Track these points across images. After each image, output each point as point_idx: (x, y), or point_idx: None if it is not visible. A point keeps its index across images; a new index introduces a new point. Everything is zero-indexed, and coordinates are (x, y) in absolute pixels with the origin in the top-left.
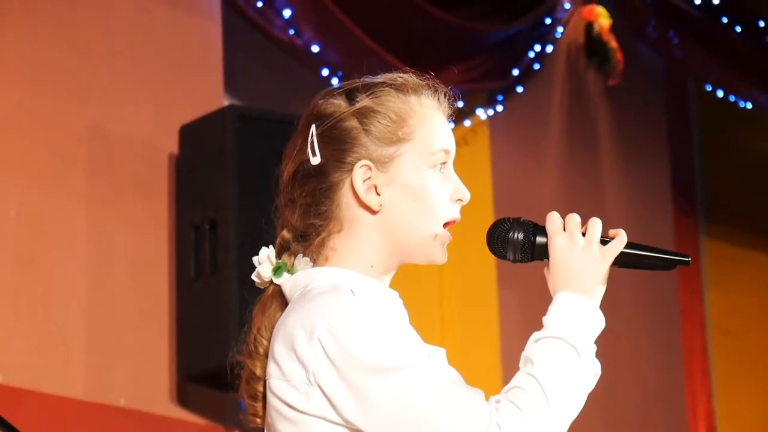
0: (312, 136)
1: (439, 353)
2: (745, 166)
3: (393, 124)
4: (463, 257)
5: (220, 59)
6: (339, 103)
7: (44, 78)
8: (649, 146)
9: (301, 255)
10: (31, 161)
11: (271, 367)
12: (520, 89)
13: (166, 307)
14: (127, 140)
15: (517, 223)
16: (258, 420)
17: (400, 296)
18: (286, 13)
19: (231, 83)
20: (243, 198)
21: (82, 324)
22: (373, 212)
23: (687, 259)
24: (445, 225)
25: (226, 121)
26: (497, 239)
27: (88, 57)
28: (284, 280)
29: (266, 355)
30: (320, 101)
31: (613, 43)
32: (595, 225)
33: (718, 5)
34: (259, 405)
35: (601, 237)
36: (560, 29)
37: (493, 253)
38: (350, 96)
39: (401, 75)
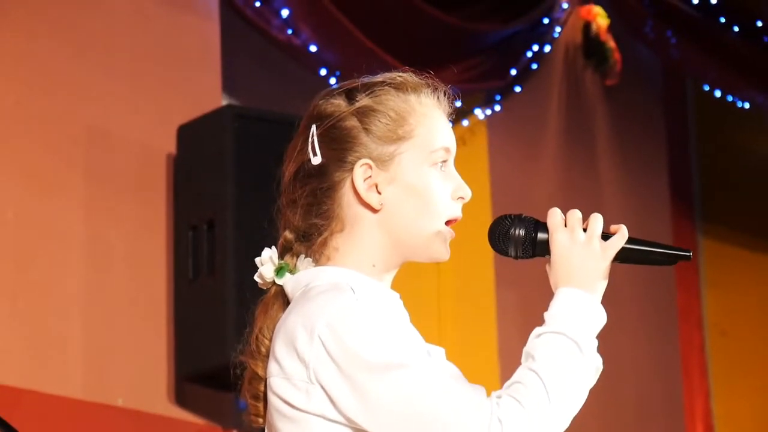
0: (312, 136)
1: (439, 352)
2: (742, 166)
3: (393, 122)
4: (461, 256)
5: (218, 59)
6: (339, 103)
7: (42, 78)
8: (647, 146)
9: (303, 255)
10: (28, 162)
11: (272, 366)
12: (518, 89)
13: (164, 307)
14: (124, 140)
15: (518, 220)
16: (260, 420)
17: (400, 297)
18: (284, 12)
19: (229, 83)
20: (241, 198)
21: (80, 324)
22: (375, 211)
23: (688, 253)
24: (447, 223)
25: (224, 121)
26: (499, 236)
27: (86, 57)
28: (286, 280)
29: (268, 355)
30: (320, 101)
31: (611, 43)
32: (596, 220)
33: (715, 5)
34: (261, 405)
35: (602, 232)
36: (558, 29)
37: (494, 249)
38: (350, 96)
39: (400, 74)
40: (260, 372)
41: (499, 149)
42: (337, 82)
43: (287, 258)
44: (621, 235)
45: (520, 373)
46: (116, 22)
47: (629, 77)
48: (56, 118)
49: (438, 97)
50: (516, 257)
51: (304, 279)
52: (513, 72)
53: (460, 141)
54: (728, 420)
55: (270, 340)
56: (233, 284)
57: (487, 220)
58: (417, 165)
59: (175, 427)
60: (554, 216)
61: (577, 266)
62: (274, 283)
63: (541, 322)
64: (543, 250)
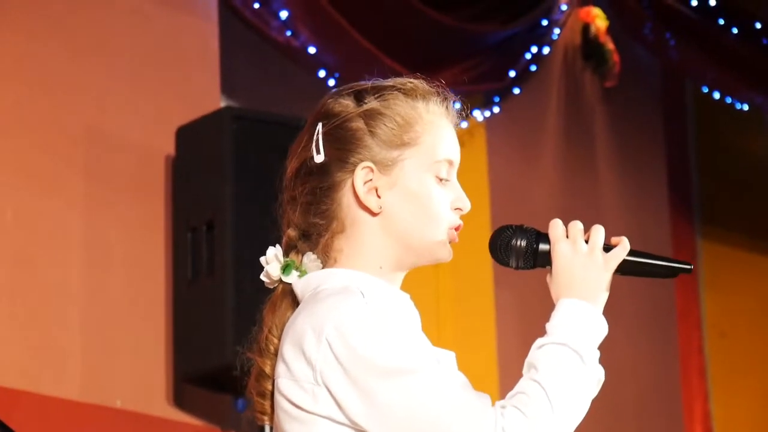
0: (317, 134)
1: (449, 357)
2: (741, 168)
3: (399, 128)
4: (460, 258)
5: (216, 60)
6: (347, 104)
7: (41, 79)
8: (646, 147)
9: (309, 253)
10: (27, 162)
11: (280, 367)
12: (516, 91)
13: (163, 309)
14: (123, 142)
15: (519, 230)
16: (266, 418)
17: (411, 298)
18: (283, 14)
19: (228, 84)
20: (240, 199)
21: (78, 325)
22: (373, 214)
23: (689, 267)
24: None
25: (223, 123)
26: (500, 246)
27: (85, 58)
28: (294, 280)
29: (276, 354)
30: (329, 100)
31: (610, 45)
32: (598, 232)
33: (714, 7)
34: (267, 403)
35: (604, 244)
36: (557, 31)
37: (495, 260)
38: (359, 97)
39: (411, 80)
40: (267, 370)
41: (498, 151)
42: (336, 84)
43: (292, 255)
44: (623, 247)
45: (523, 384)
46: (115, 23)
47: (628, 79)
48: (55, 119)
49: (447, 107)
50: (517, 268)
51: (314, 281)
52: (512, 74)
53: (459, 142)
54: (727, 421)
55: (279, 339)
56: (232, 285)
57: (486, 222)
58: (419, 172)
59: (173, 429)
60: (556, 227)
61: (578, 277)
62: (280, 281)
63: (539, 323)
64: (544, 261)
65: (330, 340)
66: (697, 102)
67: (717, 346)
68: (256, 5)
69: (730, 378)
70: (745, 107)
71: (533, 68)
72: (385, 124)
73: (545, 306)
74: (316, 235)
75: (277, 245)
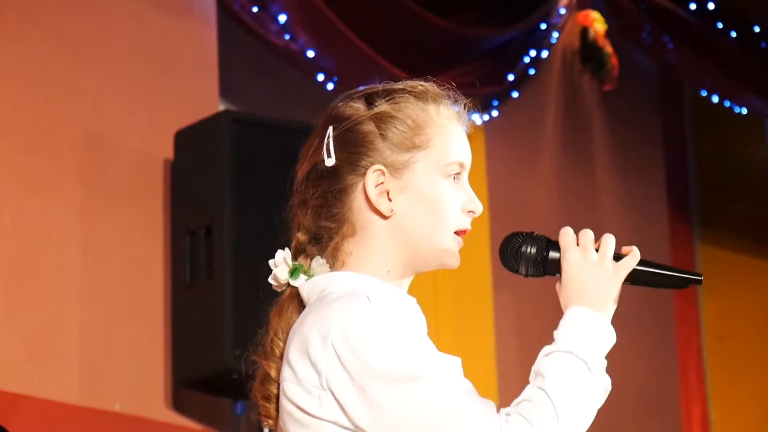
0: (328, 137)
1: (455, 362)
2: (739, 171)
3: (410, 130)
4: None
5: (215, 64)
6: (358, 107)
7: (39, 84)
8: (644, 151)
9: (318, 257)
10: (26, 167)
11: (285, 371)
12: (515, 94)
13: (162, 313)
14: (122, 146)
15: (530, 238)
16: (270, 421)
17: (418, 302)
18: (282, 18)
19: (226, 88)
20: (238, 203)
21: (77, 329)
22: (385, 217)
23: (699, 277)
24: (457, 234)
25: (222, 127)
26: (510, 253)
27: (83, 63)
28: (302, 284)
29: (282, 358)
30: (339, 103)
31: (609, 49)
32: (609, 241)
33: (712, 11)
34: (272, 406)
35: (614, 253)
36: (555, 34)
37: (505, 266)
38: (369, 100)
39: (422, 83)
40: (272, 373)
41: (497, 155)
42: (334, 88)
43: (301, 259)
44: (633, 257)
45: (528, 392)
46: (114, 27)
47: (626, 82)
48: (53, 124)
49: (458, 110)
50: (527, 275)
51: (321, 284)
52: (510, 77)
53: None
54: (725, 425)
55: (284, 343)
56: (231, 289)
57: (485, 226)
58: (430, 175)
59: None
60: (566, 235)
61: (588, 286)
62: (288, 284)
63: (537, 327)
64: (554, 268)
65: (336, 345)
66: (696, 106)
67: (715, 349)
68: (255, 9)
69: (729, 382)
70: (744, 111)
71: (532, 72)
72: (396, 127)
73: (544, 310)
74: (326, 238)
75: (286, 248)
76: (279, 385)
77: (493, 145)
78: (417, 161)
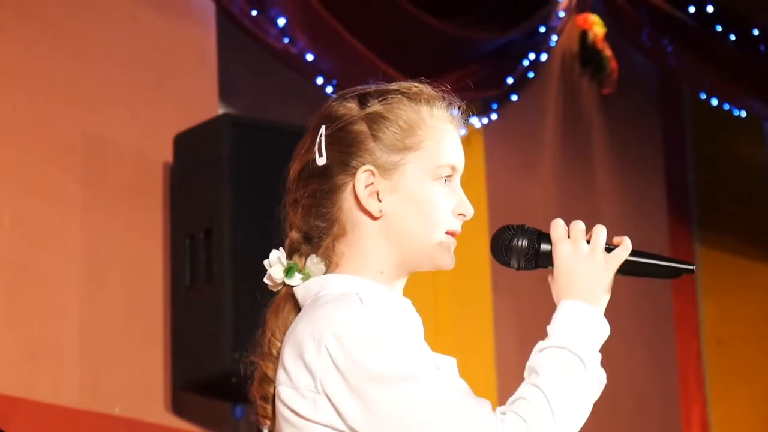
0: (320, 136)
1: (450, 363)
2: (739, 174)
3: (401, 132)
4: (458, 264)
5: (214, 68)
6: (350, 107)
7: (39, 87)
8: (644, 154)
9: (313, 256)
10: (25, 170)
11: (280, 374)
12: (514, 97)
13: (161, 316)
14: (121, 149)
15: (521, 231)
16: (268, 422)
17: (417, 304)
18: (281, 21)
19: (226, 91)
20: (238, 206)
21: (76, 332)
22: (374, 218)
23: (692, 267)
24: (447, 234)
25: (221, 130)
26: (501, 246)
27: (83, 65)
28: (296, 284)
29: (279, 358)
30: (333, 103)
31: (608, 52)
32: (600, 232)
33: (712, 14)
34: (269, 407)
35: (606, 244)
36: (555, 37)
37: (497, 260)
38: (362, 100)
39: (416, 84)
40: (270, 374)
41: (496, 158)
42: (334, 91)
43: (295, 258)
44: (624, 247)
45: (523, 389)
46: (113, 30)
47: (626, 86)
48: (53, 126)
49: (452, 112)
50: (518, 268)
51: (315, 286)
52: (509, 80)
53: None
54: (725, 428)
55: (281, 342)
56: (230, 292)
57: (484, 229)
58: (420, 177)
59: None
60: (557, 227)
61: (580, 278)
62: (284, 284)
63: (537, 329)
64: (546, 261)
65: (329, 348)
66: (695, 108)
67: (715, 353)
68: (254, 13)
69: (728, 385)
70: (743, 114)
71: (531, 75)
72: (387, 128)
73: (543, 312)
74: (317, 238)
75: (281, 248)
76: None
77: (492, 148)
78: (408, 163)
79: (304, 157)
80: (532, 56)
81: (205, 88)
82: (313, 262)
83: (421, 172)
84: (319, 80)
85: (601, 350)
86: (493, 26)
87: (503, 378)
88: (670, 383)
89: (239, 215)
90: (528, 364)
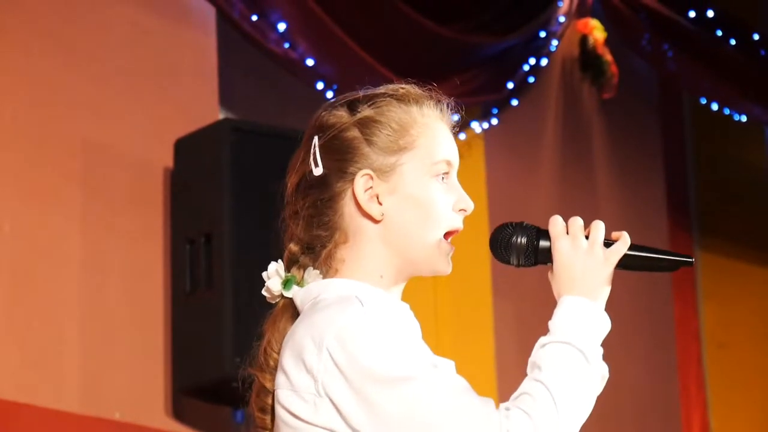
0: (314, 147)
1: (448, 365)
2: (739, 179)
3: (394, 133)
4: (458, 267)
5: (215, 73)
6: (341, 114)
7: (39, 92)
8: (644, 159)
9: (311, 268)
10: (25, 175)
11: (280, 377)
12: (514, 102)
13: (161, 321)
14: (121, 154)
15: (520, 227)
16: None
17: (410, 308)
18: (281, 26)
19: (226, 97)
20: (238, 211)
21: (77, 337)
22: (376, 222)
23: (690, 259)
24: (447, 235)
25: (221, 135)
26: (500, 244)
27: (83, 71)
28: (295, 292)
29: (276, 369)
30: (323, 113)
31: (608, 57)
32: (598, 227)
33: (712, 18)
34: (268, 418)
35: (604, 239)
36: (555, 42)
37: (496, 257)
38: (352, 107)
39: (403, 86)
40: (268, 385)
41: (496, 162)
42: (334, 96)
43: (294, 270)
44: (623, 242)
45: (527, 385)
46: (114, 36)
47: (626, 90)
48: (53, 132)
49: (441, 109)
50: (518, 265)
51: (314, 291)
52: (510, 85)
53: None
54: None
55: (278, 353)
56: (230, 297)
57: (484, 233)
58: (418, 176)
59: None
60: (556, 224)
61: (579, 274)
62: (282, 296)
63: (538, 332)
64: (545, 257)
65: (331, 350)
66: (695, 113)
67: (715, 357)
68: (255, 18)
69: (729, 389)
70: (743, 118)
71: (531, 80)
72: (380, 131)
73: (544, 316)
74: (319, 247)
75: (279, 260)
76: (274, 395)
77: (492, 153)
78: (404, 163)
79: (300, 168)
80: (532, 61)
81: (205, 93)
82: (311, 275)
83: (418, 170)
84: (320, 85)
85: (601, 353)
86: (494, 31)
87: (503, 381)
88: (671, 387)
89: (240, 220)
90: (530, 359)
